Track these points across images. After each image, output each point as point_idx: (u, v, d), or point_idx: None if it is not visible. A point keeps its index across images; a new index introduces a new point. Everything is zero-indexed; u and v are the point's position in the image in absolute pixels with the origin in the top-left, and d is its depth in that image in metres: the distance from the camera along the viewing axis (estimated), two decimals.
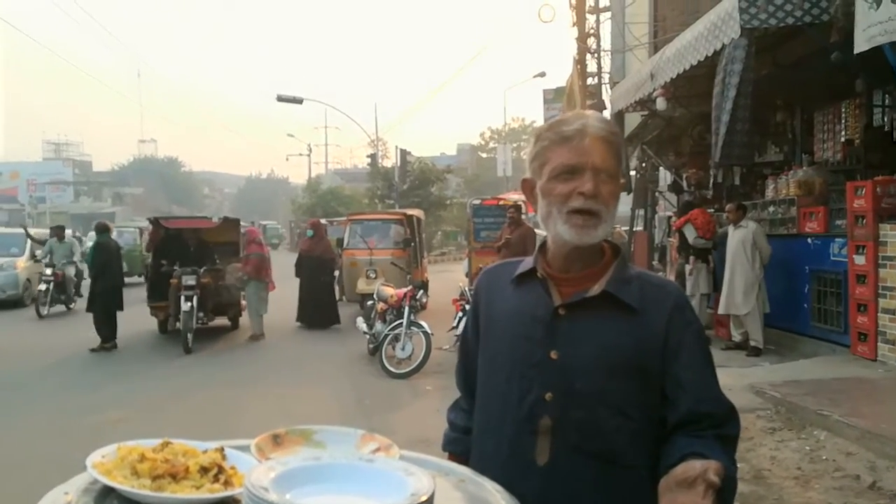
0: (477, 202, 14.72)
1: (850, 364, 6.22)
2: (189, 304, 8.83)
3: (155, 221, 11.11)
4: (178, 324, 9.01)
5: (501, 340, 1.38)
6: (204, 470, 1.04)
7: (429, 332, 7.51)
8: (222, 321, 10.61)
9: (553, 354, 1.29)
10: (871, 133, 7.52)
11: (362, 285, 10.90)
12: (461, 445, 1.49)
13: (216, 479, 1.04)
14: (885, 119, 7.09)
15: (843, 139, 7.96)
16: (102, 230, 9.65)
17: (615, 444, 1.26)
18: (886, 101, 7.04)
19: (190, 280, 9.00)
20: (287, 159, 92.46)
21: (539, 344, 1.30)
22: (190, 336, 8.77)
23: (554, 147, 1.30)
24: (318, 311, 10.82)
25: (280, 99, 25.16)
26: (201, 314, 9.24)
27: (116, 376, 7.73)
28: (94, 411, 6.09)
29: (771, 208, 8.20)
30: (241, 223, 11.89)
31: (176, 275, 9.17)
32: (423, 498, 0.96)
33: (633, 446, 1.27)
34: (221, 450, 1.17)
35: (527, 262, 1.40)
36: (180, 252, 10.04)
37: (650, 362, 1.28)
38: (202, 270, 9.35)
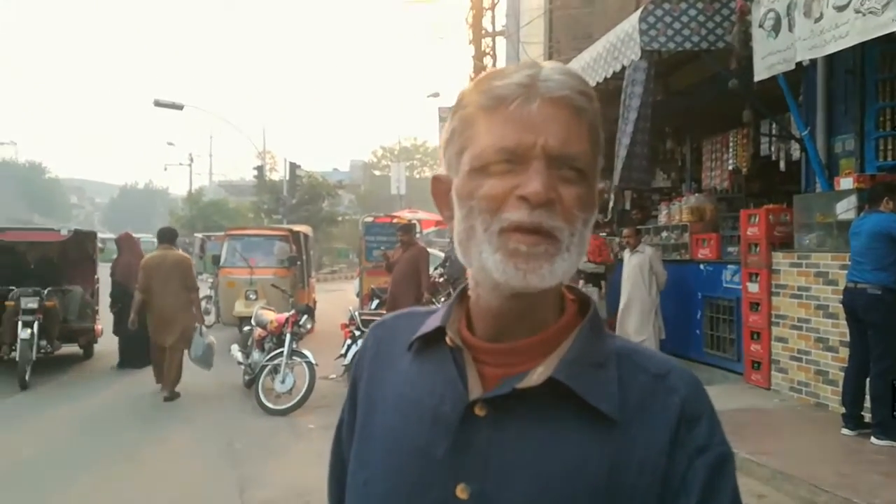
0: (369, 219, 14.09)
1: (745, 393, 6.16)
2: (28, 330, 7.54)
3: None
4: (13, 353, 7.68)
5: (381, 452, 0.79)
6: None
7: (313, 362, 6.76)
8: (72, 348, 9.26)
9: (461, 491, 0.72)
10: (757, 162, 7.69)
11: (240, 307, 9.94)
12: None
13: None
14: (772, 149, 7.24)
15: (730, 167, 8.12)
16: None
17: None
18: (774, 131, 7.19)
19: (31, 303, 7.71)
20: (165, 169, 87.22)
21: (439, 467, 0.73)
22: (28, 369, 7.48)
23: (481, 117, 0.73)
24: (143, 349, 8.00)
25: (157, 104, 23.44)
26: (44, 342, 7.95)
27: None
28: None
29: (664, 234, 8.20)
30: (101, 236, 10.53)
31: (12, 297, 7.84)
32: None
33: None
34: None
35: (433, 319, 0.82)
36: (17, 270, 8.66)
37: None
38: (46, 292, 8.07)
